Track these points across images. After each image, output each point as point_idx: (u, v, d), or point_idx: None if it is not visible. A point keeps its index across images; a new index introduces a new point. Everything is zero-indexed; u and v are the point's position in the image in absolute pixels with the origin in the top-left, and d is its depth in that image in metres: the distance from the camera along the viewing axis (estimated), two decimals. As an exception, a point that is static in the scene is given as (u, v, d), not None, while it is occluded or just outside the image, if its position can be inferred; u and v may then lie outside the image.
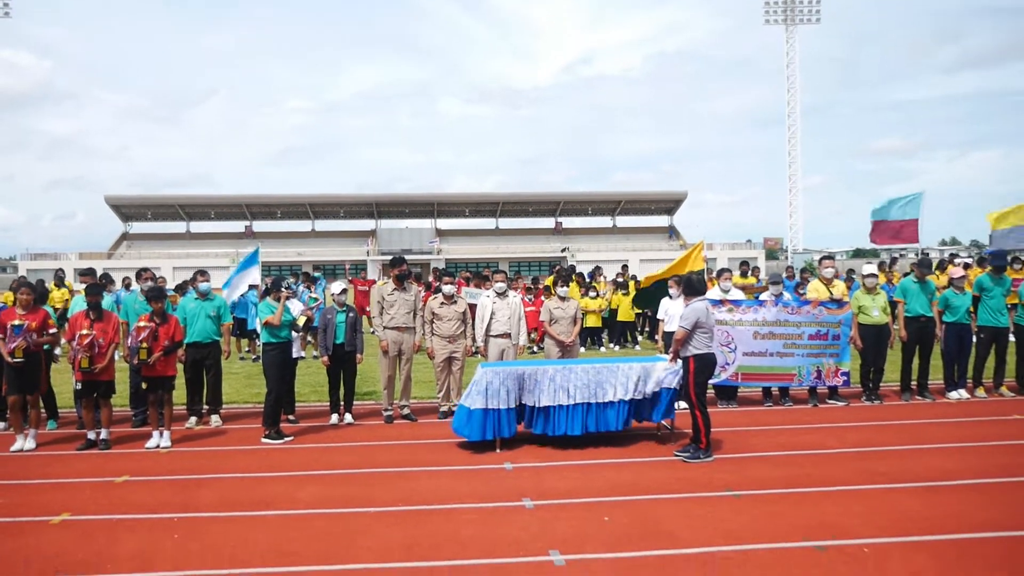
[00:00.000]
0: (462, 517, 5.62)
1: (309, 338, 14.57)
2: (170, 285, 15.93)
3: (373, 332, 9.56)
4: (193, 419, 8.88)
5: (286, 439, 8.10)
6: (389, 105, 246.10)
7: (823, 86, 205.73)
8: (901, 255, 32.79)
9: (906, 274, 10.62)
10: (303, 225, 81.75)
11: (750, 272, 17.95)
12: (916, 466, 6.80)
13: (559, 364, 7.85)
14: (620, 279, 17.33)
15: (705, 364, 7.24)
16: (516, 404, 7.55)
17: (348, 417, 8.98)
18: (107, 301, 8.69)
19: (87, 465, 7.25)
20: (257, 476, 6.83)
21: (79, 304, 8.86)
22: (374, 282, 17.62)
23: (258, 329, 8.72)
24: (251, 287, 11.45)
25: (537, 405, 7.54)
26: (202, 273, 9.43)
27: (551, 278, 15.84)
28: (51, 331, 8.07)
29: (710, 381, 7.87)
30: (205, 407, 9.05)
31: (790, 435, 8.15)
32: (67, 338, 7.80)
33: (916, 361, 10.02)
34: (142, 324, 7.88)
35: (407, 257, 10.27)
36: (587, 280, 17.37)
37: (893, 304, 10.16)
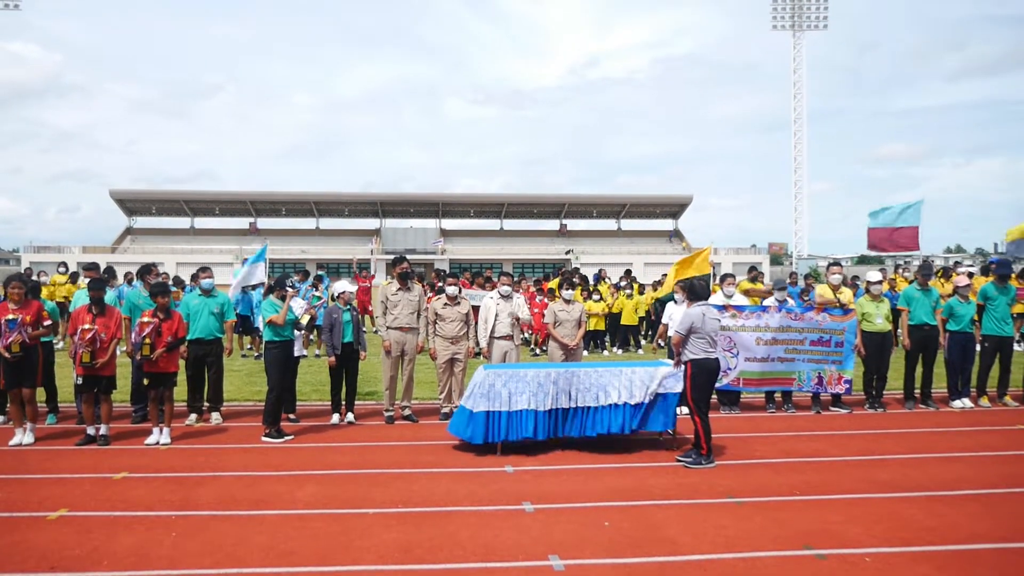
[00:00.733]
0: (461, 520, 5.59)
1: (312, 336, 14.59)
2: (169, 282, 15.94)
3: (376, 332, 9.53)
4: (193, 416, 8.86)
5: (286, 438, 8.08)
6: (395, 104, 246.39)
7: (829, 92, 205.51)
8: (906, 262, 32.70)
9: (910, 282, 10.58)
10: (308, 223, 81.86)
11: (758, 278, 17.86)
12: (919, 475, 6.76)
13: (562, 367, 7.83)
14: (623, 282, 17.30)
15: (703, 370, 7.21)
16: (518, 407, 7.52)
17: (350, 416, 8.96)
18: (110, 296, 8.68)
19: (86, 461, 7.23)
20: (256, 475, 6.81)
21: (81, 299, 8.84)
22: (373, 277, 17.64)
23: (261, 327, 8.70)
24: (257, 285, 11.46)
25: (540, 408, 7.52)
26: (204, 270, 9.41)
27: (556, 280, 15.85)
28: (46, 323, 8.02)
29: (714, 386, 7.84)
30: (206, 404, 9.04)
31: (792, 442, 8.11)
32: (69, 332, 7.78)
33: (920, 369, 9.98)
34: (145, 320, 7.87)
35: (411, 257, 10.26)
36: (591, 283, 17.35)
37: (896, 312, 10.11)
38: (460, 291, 9.33)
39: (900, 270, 19.30)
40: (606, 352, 16.13)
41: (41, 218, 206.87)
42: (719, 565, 4.77)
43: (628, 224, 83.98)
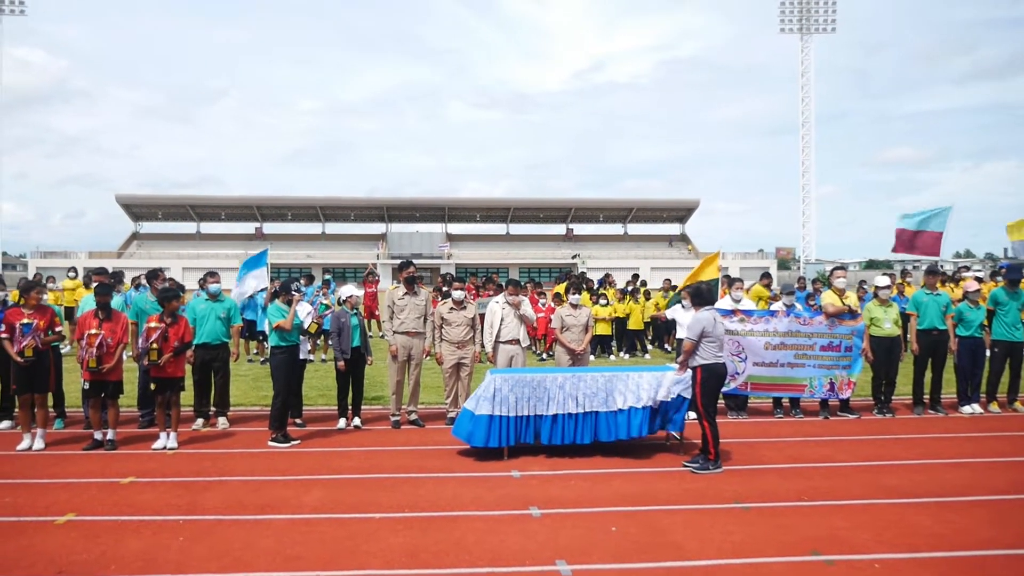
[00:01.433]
0: (468, 524, 5.58)
1: (319, 341, 14.60)
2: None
3: (383, 336, 9.53)
4: (200, 421, 8.88)
5: (293, 443, 8.08)
6: (399, 108, 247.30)
7: (837, 95, 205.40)
8: (915, 267, 32.57)
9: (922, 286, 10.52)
10: (313, 228, 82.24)
11: (770, 284, 17.80)
12: (927, 481, 6.72)
13: (569, 372, 7.82)
14: (630, 287, 17.27)
15: (712, 374, 7.19)
16: (524, 412, 7.51)
17: (356, 421, 8.96)
18: (117, 301, 8.71)
19: (93, 465, 7.25)
20: (263, 479, 6.81)
21: (88, 303, 8.89)
22: (378, 282, 17.66)
23: (267, 331, 8.71)
24: (260, 290, 11.46)
25: (546, 413, 7.50)
26: (212, 274, 9.43)
27: (563, 285, 15.82)
28: (57, 329, 8.10)
29: (721, 390, 7.82)
30: (212, 409, 9.06)
31: (800, 447, 8.07)
32: (76, 338, 7.82)
33: (929, 375, 9.93)
34: (153, 325, 7.90)
35: (417, 262, 10.26)
36: (597, 288, 17.33)
37: (905, 316, 10.06)
38: (466, 296, 9.33)
39: (907, 276, 19.14)
40: (613, 357, 16.10)
41: (47, 223, 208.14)
42: (726, 571, 4.75)
43: (634, 228, 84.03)
